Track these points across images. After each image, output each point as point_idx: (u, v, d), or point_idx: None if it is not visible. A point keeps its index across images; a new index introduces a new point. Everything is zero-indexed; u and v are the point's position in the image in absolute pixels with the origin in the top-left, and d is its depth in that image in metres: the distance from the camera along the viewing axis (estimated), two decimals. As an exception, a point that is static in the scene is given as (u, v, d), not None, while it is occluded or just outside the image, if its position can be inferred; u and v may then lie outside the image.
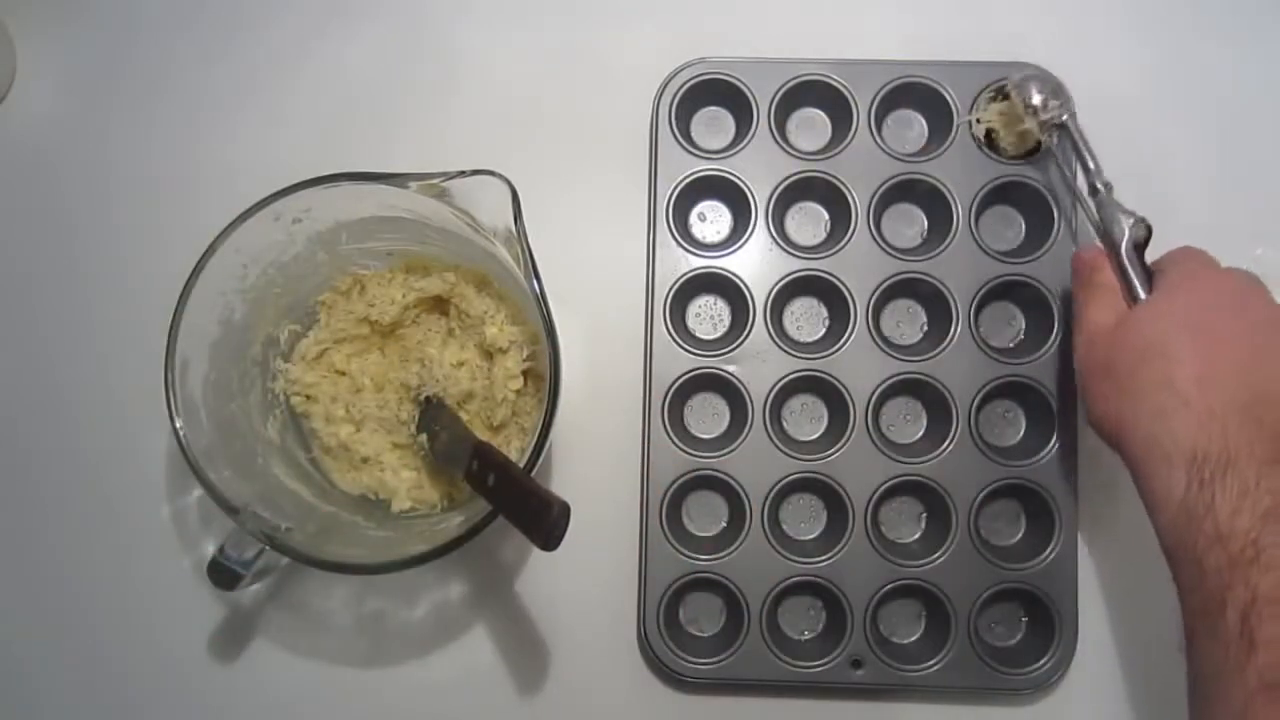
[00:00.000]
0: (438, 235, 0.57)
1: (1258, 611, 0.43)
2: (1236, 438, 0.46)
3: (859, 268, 0.62)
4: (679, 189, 0.63)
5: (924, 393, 0.62)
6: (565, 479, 0.63)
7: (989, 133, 0.63)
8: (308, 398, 0.60)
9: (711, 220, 0.65)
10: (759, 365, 0.62)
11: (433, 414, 0.58)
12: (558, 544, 0.45)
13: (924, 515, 0.63)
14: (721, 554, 0.60)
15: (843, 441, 0.61)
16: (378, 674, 0.62)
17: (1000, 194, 0.63)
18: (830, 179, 0.63)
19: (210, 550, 0.53)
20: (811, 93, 0.64)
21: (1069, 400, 0.61)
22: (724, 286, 0.63)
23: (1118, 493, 0.62)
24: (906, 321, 0.64)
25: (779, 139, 0.63)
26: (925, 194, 0.63)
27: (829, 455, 0.61)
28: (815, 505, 0.63)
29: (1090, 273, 0.56)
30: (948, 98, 0.63)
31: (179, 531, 0.63)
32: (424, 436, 0.58)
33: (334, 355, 0.61)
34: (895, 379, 0.61)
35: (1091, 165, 0.58)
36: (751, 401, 0.61)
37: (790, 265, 0.62)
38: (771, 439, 0.61)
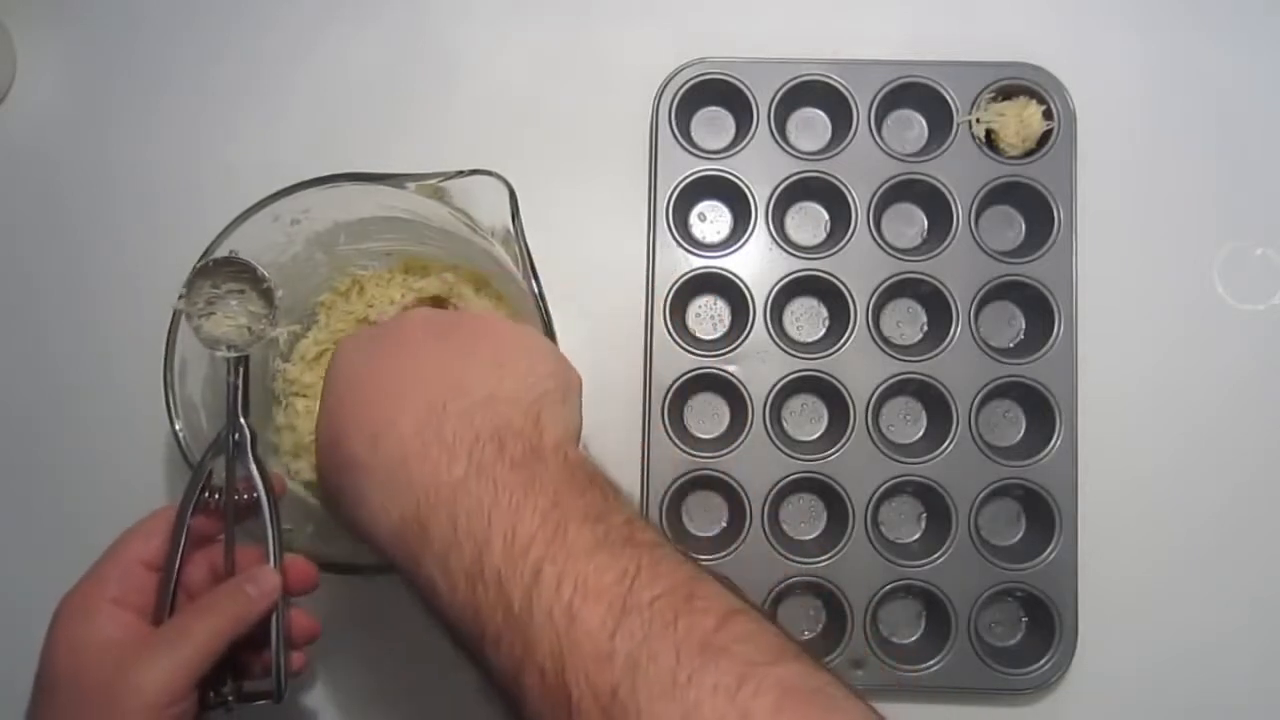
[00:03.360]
0: (436, 235, 0.57)
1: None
2: (428, 470, 0.40)
3: (859, 268, 0.62)
4: (679, 189, 0.63)
5: (924, 393, 0.62)
6: (565, 479, 0.63)
7: (989, 133, 0.63)
8: (307, 398, 0.60)
9: (711, 220, 0.65)
10: (759, 365, 0.62)
11: None
12: None
13: (924, 515, 0.63)
14: (722, 554, 0.60)
15: (843, 441, 0.61)
16: (378, 673, 0.62)
17: (1000, 194, 0.63)
18: (830, 179, 0.63)
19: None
20: (811, 93, 0.64)
21: (1069, 400, 0.61)
22: (724, 286, 0.63)
23: (1118, 493, 0.62)
24: (906, 321, 0.64)
25: (779, 139, 0.63)
26: (925, 194, 0.63)
27: (829, 455, 0.61)
28: (815, 505, 0.63)
29: None
30: (948, 98, 0.63)
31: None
32: None
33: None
34: (895, 379, 0.61)
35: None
36: (751, 401, 0.61)
37: (790, 265, 0.62)
38: (771, 439, 0.61)
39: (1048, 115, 0.62)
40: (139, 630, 0.45)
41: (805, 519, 0.63)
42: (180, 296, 0.50)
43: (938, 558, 0.60)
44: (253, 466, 0.49)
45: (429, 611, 0.40)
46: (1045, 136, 0.63)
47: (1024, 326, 0.64)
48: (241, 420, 0.50)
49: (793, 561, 0.60)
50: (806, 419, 0.64)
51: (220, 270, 0.50)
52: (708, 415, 0.63)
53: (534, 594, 0.35)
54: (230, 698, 0.47)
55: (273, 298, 0.50)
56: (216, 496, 0.49)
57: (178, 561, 0.47)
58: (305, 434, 0.58)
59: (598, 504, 0.39)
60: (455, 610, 0.38)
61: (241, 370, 0.50)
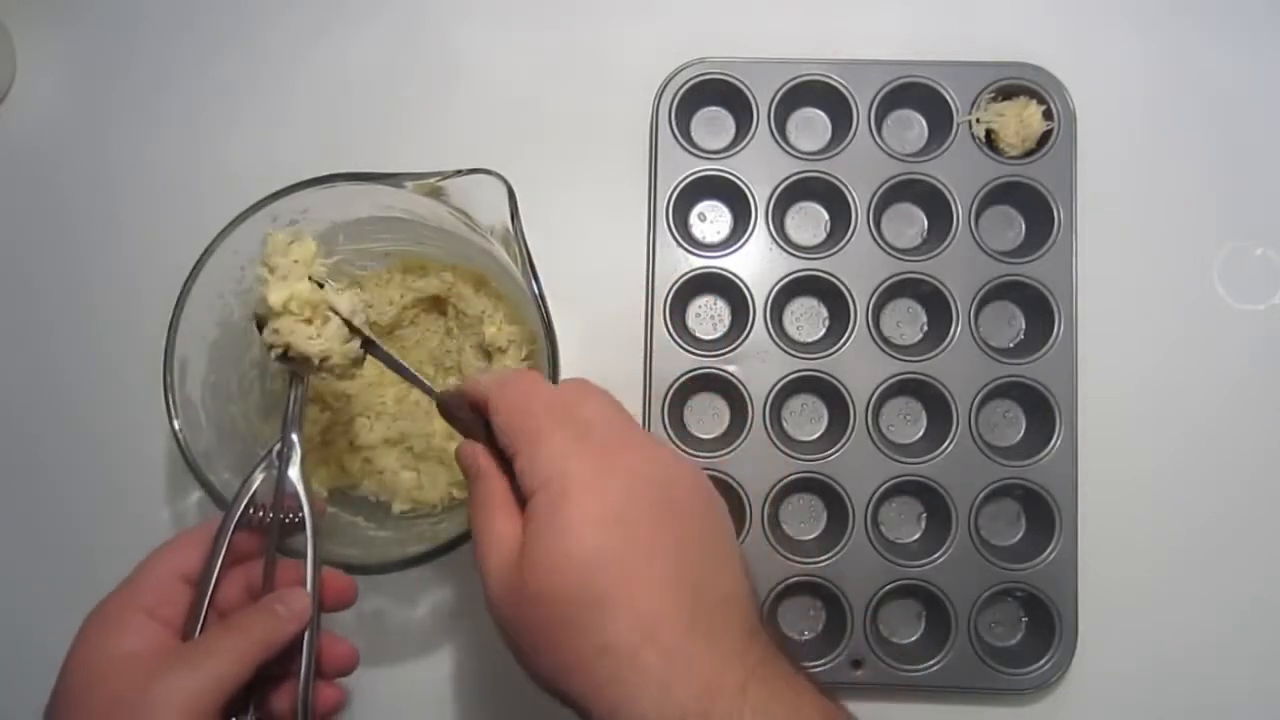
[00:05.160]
0: (435, 235, 0.57)
1: None
2: (707, 683, 0.37)
3: (859, 268, 0.62)
4: (679, 189, 0.63)
5: (924, 393, 0.62)
6: (565, 479, 0.62)
7: (989, 133, 0.63)
8: (310, 402, 0.60)
9: (711, 220, 0.65)
10: (759, 365, 0.62)
11: None
12: None
13: (924, 515, 0.63)
14: (721, 554, 0.60)
15: (843, 441, 0.61)
16: (378, 674, 0.62)
17: (1000, 194, 0.63)
18: (830, 179, 0.63)
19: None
20: (811, 93, 0.64)
21: (1069, 400, 0.61)
22: (724, 286, 0.63)
23: (1118, 493, 0.62)
24: (906, 321, 0.64)
25: (779, 139, 0.63)
26: (925, 194, 0.63)
27: (829, 455, 0.61)
28: (815, 505, 0.63)
29: (474, 475, 0.45)
30: (948, 98, 0.63)
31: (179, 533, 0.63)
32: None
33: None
34: (895, 379, 0.61)
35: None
36: (751, 401, 0.61)
37: (790, 265, 0.62)
38: (771, 439, 0.61)
39: (1048, 115, 0.62)
40: (166, 644, 0.44)
41: (805, 519, 0.63)
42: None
43: (938, 558, 0.60)
44: (299, 483, 0.48)
45: None
46: (1045, 136, 0.63)
47: (1024, 326, 0.64)
48: (293, 435, 0.49)
49: (793, 561, 0.60)
50: (806, 419, 0.64)
51: None
52: (708, 415, 0.63)
53: None
54: None
55: (354, 326, 0.49)
56: (260, 513, 0.48)
57: (214, 576, 0.46)
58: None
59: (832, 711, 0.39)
60: None
61: (301, 385, 0.49)
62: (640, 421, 0.61)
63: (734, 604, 0.40)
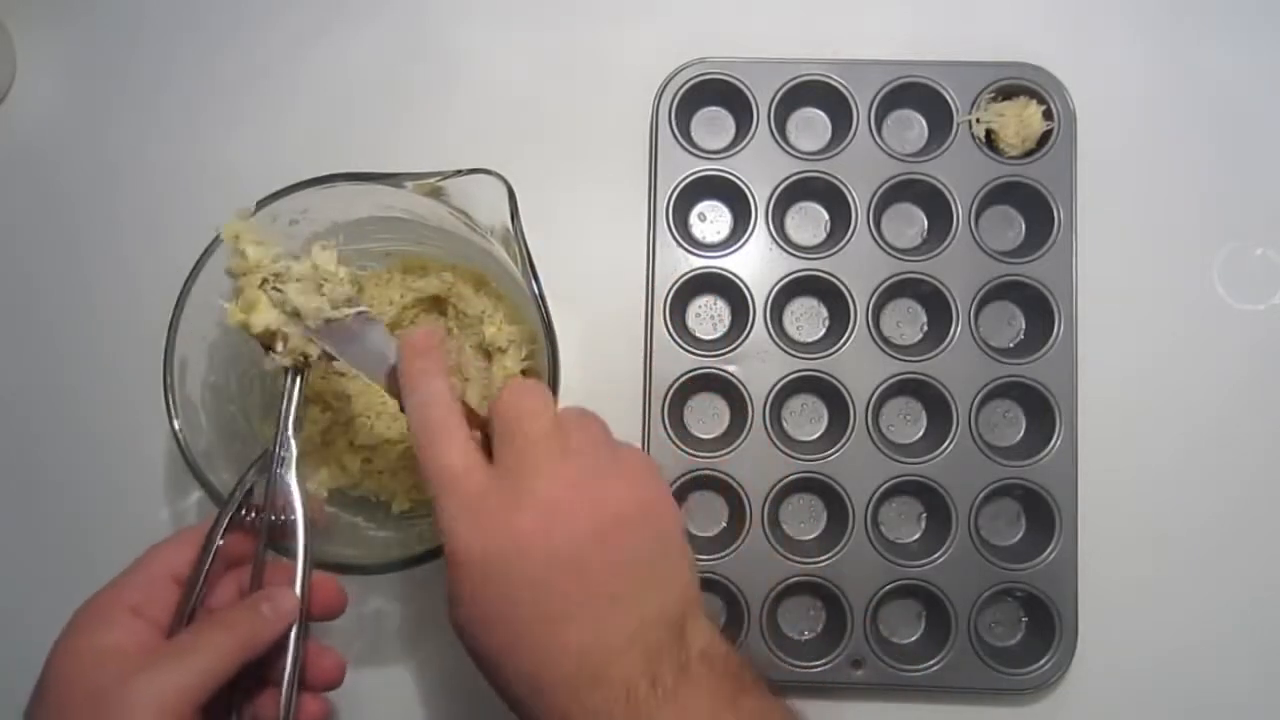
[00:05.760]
0: (435, 235, 0.57)
1: None
2: (626, 679, 0.40)
3: (859, 268, 0.62)
4: (679, 189, 0.63)
5: (924, 393, 0.62)
6: (565, 479, 0.62)
7: (989, 133, 0.63)
8: (307, 399, 0.60)
9: (711, 220, 0.65)
10: (759, 365, 0.62)
11: None
12: None
13: (924, 515, 0.63)
14: (721, 554, 0.60)
15: (843, 441, 0.61)
16: (378, 674, 0.62)
17: (1000, 194, 0.63)
18: (830, 179, 0.63)
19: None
20: (811, 93, 0.64)
21: (1069, 400, 0.61)
22: (724, 286, 0.63)
23: (1118, 493, 0.62)
24: (906, 321, 0.64)
25: (779, 139, 0.63)
26: (925, 194, 0.63)
27: (829, 455, 0.61)
28: (815, 505, 0.63)
29: (428, 397, 0.45)
30: (948, 98, 0.63)
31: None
32: None
33: (333, 356, 0.61)
34: (895, 379, 0.61)
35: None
36: (751, 401, 0.61)
37: (790, 265, 0.62)
38: (771, 439, 0.61)
39: (1048, 115, 0.62)
40: (151, 642, 0.43)
41: (805, 519, 0.63)
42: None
43: (938, 558, 0.60)
44: (293, 485, 0.47)
45: None
46: (1045, 136, 0.63)
47: (1024, 326, 0.64)
48: (289, 436, 0.48)
49: (793, 561, 0.60)
50: (806, 419, 0.64)
51: None
52: (708, 415, 0.63)
53: None
54: None
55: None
56: (253, 515, 0.47)
57: (203, 576, 0.45)
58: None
59: (753, 710, 0.42)
60: None
61: (299, 382, 0.48)
62: (640, 421, 0.61)
63: (642, 635, 0.42)
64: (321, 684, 0.48)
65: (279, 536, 0.47)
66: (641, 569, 0.43)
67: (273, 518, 0.47)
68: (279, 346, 0.47)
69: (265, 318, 0.46)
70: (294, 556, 0.47)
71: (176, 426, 0.52)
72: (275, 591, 0.45)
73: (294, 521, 0.47)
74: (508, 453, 0.43)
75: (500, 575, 0.41)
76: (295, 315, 0.47)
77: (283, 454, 0.48)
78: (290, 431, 0.48)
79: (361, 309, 0.48)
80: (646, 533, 0.44)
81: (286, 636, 0.45)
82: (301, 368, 0.48)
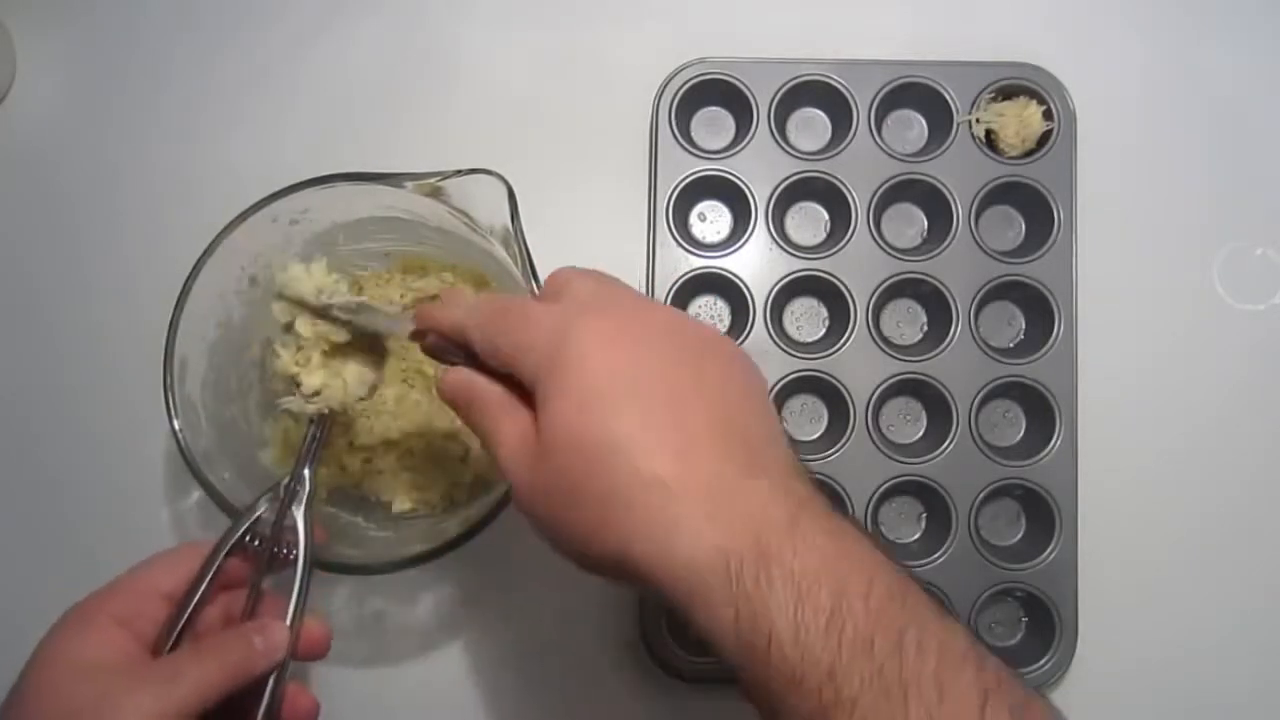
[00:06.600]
0: (435, 235, 0.57)
1: None
2: (754, 515, 0.35)
3: (859, 268, 0.62)
4: (679, 189, 0.63)
5: (924, 393, 0.62)
6: (565, 479, 0.62)
7: (989, 133, 0.63)
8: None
9: (711, 220, 0.65)
10: (759, 365, 0.61)
11: None
12: None
13: (924, 515, 0.63)
14: (721, 554, 0.60)
15: (843, 441, 0.61)
16: (378, 674, 0.62)
17: (1000, 194, 0.63)
18: (830, 179, 0.63)
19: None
20: (811, 93, 0.64)
21: (1069, 400, 0.61)
22: (724, 286, 0.63)
23: (1118, 493, 0.62)
24: (906, 321, 0.64)
25: (779, 139, 0.63)
26: (925, 194, 0.63)
27: (829, 455, 0.61)
28: (815, 505, 0.63)
29: (468, 398, 0.42)
30: (948, 98, 0.63)
31: (179, 534, 0.63)
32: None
33: (333, 356, 0.61)
34: (895, 379, 0.61)
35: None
36: (751, 402, 0.61)
37: (790, 265, 0.62)
38: (771, 439, 0.61)
39: (1048, 115, 0.62)
40: (133, 657, 0.42)
41: (805, 519, 0.63)
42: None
43: (938, 557, 0.60)
44: (301, 522, 0.47)
45: (726, 653, 0.35)
46: (1045, 136, 0.63)
47: (1024, 326, 0.64)
48: (306, 472, 0.48)
49: (793, 561, 0.60)
50: (806, 419, 0.64)
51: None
52: (708, 415, 0.63)
53: (902, 660, 0.33)
54: None
55: (382, 365, 0.50)
56: (256, 542, 0.47)
57: (198, 595, 0.45)
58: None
59: (877, 553, 0.36)
60: (788, 665, 0.33)
61: (325, 424, 0.49)
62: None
63: (771, 444, 0.38)
64: None
65: (278, 568, 0.47)
66: (719, 392, 0.38)
67: (274, 549, 0.47)
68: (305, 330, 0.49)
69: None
70: (289, 591, 0.46)
71: (176, 426, 0.52)
72: (268, 624, 0.44)
73: (296, 558, 0.47)
74: (531, 373, 0.39)
75: (568, 452, 0.37)
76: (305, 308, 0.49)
77: (296, 488, 0.48)
78: (306, 469, 0.48)
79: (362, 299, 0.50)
80: (706, 352, 0.40)
81: (271, 672, 0.44)
82: (330, 414, 0.49)
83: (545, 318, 0.40)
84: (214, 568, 0.46)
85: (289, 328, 0.50)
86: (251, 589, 0.46)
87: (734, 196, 0.63)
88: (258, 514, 0.47)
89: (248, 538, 0.47)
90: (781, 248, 0.62)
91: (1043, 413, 0.62)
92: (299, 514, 0.47)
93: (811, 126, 0.65)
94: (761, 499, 0.36)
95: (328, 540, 0.51)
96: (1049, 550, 0.60)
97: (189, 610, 0.45)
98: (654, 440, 0.36)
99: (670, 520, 0.35)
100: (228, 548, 0.46)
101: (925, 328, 0.64)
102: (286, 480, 0.48)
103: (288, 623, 0.45)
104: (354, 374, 0.50)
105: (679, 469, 0.36)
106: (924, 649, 0.33)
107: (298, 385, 0.49)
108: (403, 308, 0.50)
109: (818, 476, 0.61)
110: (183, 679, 0.41)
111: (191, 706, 0.41)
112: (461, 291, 0.52)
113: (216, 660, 0.42)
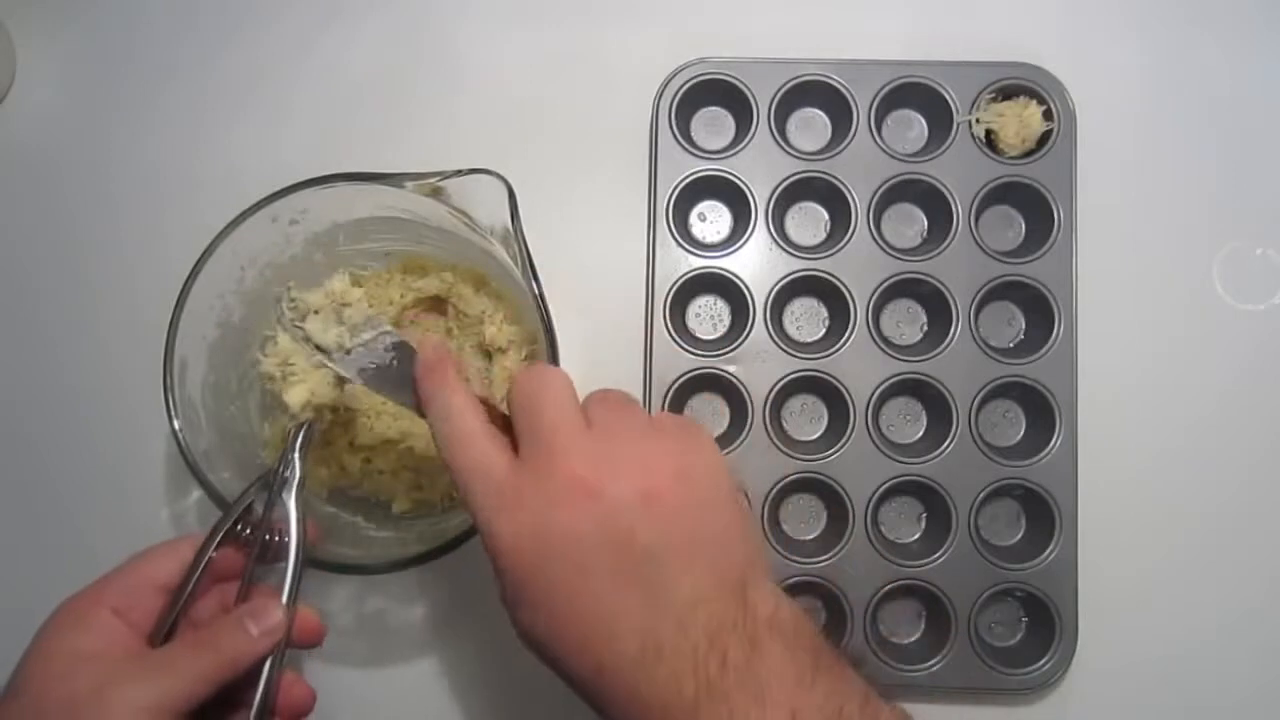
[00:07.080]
0: (435, 235, 0.57)
1: None
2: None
3: (859, 268, 0.62)
4: (679, 189, 0.63)
5: (924, 393, 0.62)
6: (565, 479, 0.62)
7: (989, 133, 0.63)
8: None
9: (711, 220, 0.65)
10: (759, 365, 0.62)
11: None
12: None
13: (924, 515, 0.63)
14: (721, 554, 0.60)
15: (843, 441, 0.61)
16: (378, 674, 0.62)
17: (1000, 194, 0.63)
18: (830, 179, 0.63)
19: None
20: (811, 93, 0.64)
21: (1069, 400, 0.61)
22: (724, 286, 0.63)
23: (1118, 493, 0.62)
24: (906, 321, 0.64)
25: (779, 139, 0.63)
26: (925, 194, 0.63)
27: (829, 455, 0.61)
28: (815, 505, 0.63)
29: (447, 411, 0.44)
30: (948, 98, 0.63)
31: (178, 534, 0.63)
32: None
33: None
34: (895, 379, 0.61)
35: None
36: (751, 401, 0.61)
37: (790, 265, 0.62)
38: (771, 439, 0.61)
39: (1048, 115, 0.62)
40: (129, 648, 0.43)
41: (805, 519, 0.63)
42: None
43: (938, 558, 0.60)
44: (292, 508, 0.47)
45: None
46: (1045, 136, 0.63)
47: (1024, 326, 0.64)
48: (295, 457, 0.48)
49: (793, 561, 0.60)
50: (806, 419, 0.64)
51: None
52: (708, 415, 0.63)
53: None
54: None
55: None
56: (248, 531, 0.47)
57: (191, 585, 0.45)
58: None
59: (830, 691, 0.40)
60: None
61: (317, 420, 0.50)
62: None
63: (700, 608, 0.40)
64: (291, 714, 0.47)
65: (272, 557, 0.47)
66: (684, 536, 0.41)
67: (266, 537, 0.47)
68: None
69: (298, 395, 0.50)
70: (283, 578, 0.46)
71: (176, 426, 0.52)
72: (260, 606, 0.45)
73: (288, 544, 0.47)
74: (532, 441, 0.42)
75: (542, 561, 0.40)
76: (319, 351, 0.48)
77: (286, 474, 0.48)
78: (295, 453, 0.48)
79: (385, 329, 0.48)
80: (687, 498, 0.42)
81: (264, 660, 0.44)
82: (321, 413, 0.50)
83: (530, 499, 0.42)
84: (207, 557, 0.46)
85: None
86: (245, 578, 0.47)
87: (734, 196, 0.63)
88: (249, 502, 0.48)
89: (240, 527, 0.47)
90: (781, 248, 0.62)
91: (1042, 413, 0.62)
92: (290, 501, 0.47)
93: (811, 126, 0.65)
94: (663, 686, 0.39)
95: (320, 530, 0.51)
96: (1049, 550, 0.60)
97: (184, 599, 0.45)
98: (623, 585, 0.40)
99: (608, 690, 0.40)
100: (220, 536, 0.46)
101: (925, 328, 0.64)
102: (277, 467, 0.48)
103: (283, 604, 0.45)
104: (330, 337, 0.49)
105: (600, 665, 0.40)
106: None
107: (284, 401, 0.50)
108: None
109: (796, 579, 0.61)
110: (176, 672, 0.41)
111: (186, 697, 0.41)
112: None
113: (211, 650, 0.42)
